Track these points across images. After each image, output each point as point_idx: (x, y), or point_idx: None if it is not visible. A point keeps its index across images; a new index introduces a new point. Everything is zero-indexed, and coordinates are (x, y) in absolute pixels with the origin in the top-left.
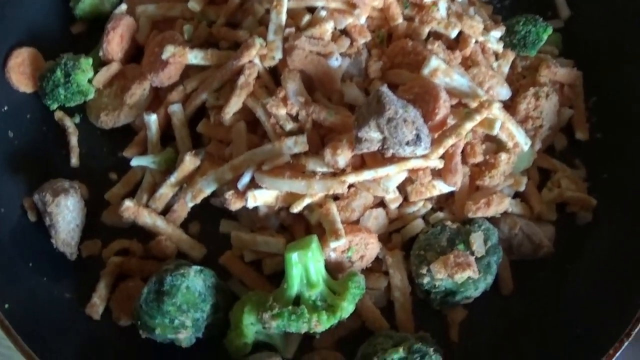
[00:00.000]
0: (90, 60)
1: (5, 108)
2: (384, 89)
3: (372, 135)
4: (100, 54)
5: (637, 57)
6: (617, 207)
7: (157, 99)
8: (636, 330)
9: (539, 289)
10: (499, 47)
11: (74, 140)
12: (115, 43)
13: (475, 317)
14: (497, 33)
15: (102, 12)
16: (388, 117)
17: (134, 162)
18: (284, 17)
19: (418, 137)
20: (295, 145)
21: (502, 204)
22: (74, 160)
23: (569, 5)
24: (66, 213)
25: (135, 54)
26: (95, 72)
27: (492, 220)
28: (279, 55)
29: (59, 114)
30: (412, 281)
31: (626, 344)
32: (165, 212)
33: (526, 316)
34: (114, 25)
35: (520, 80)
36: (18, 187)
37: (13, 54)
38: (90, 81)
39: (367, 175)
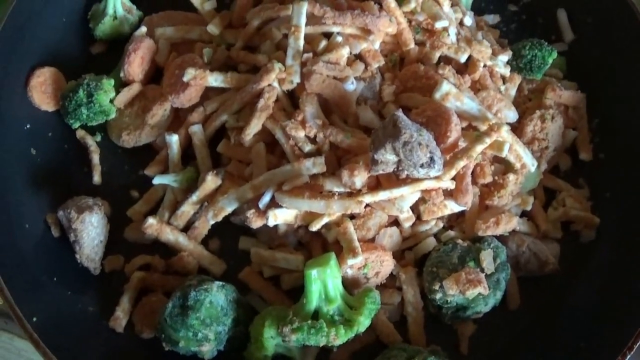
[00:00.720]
0: (112, 81)
1: (28, 126)
2: (400, 113)
3: (387, 158)
4: (122, 74)
5: (638, 79)
6: (619, 225)
7: (177, 119)
8: (638, 344)
9: (544, 304)
10: (506, 71)
11: (95, 158)
12: (136, 64)
13: (484, 331)
14: (504, 57)
15: (121, 34)
16: (404, 140)
17: (157, 180)
18: (301, 42)
19: (432, 159)
20: (314, 166)
21: (511, 223)
22: (96, 178)
23: (573, 29)
24: (90, 229)
25: (155, 75)
26: (117, 92)
27: (501, 238)
28: (297, 79)
29: (80, 133)
30: (424, 297)
31: (629, 356)
32: (186, 229)
33: (532, 330)
34: (135, 47)
35: (527, 103)
36: (40, 203)
37: (35, 74)
38: (112, 101)
39: (382, 195)
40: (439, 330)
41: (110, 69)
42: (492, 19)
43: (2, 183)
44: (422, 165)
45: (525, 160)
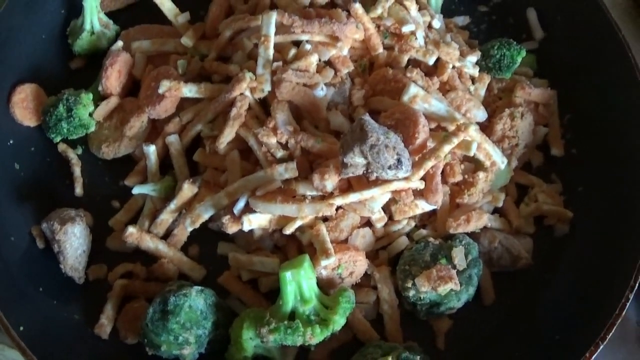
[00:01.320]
0: (91, 95)
1: (11, 141)
2: (366, 117)
3: (356, 161)
4: (100, 88)
5: (609, 74)
6: (592, 219)
7: (154, 130)
8: (610, 334)
9: (519, 298)
10: (475, 72)
11: (77, 170)
12: (113, 78)
13: (460, 327)
14: (473, 58)
15: (99, 48)
16: (371, 143)
17: (136, 190)
18: (271, 51)
19: (399, 161)
20: (286, 171)
21: (481, 220)
22: (78, 190)
23: (543, 27)
24: (73, 240)
25: (132, 88)
26: (96, 106)
27: (473, 235)
28: (268, 87)
29: (62, 147)
30: (399, 294)
31: (601, 347)
32: (166, 236)
33: (507, 324)
34: (112, 62)
35: (497, 102)
36: (25, 216)
37: (16, 90)
38: (91, 115)
39: (353, 197)
40: (415, 327)
41: (89, 83)
42: (462, 20)
43: None
44: (390, 167)
45: (495, 158)
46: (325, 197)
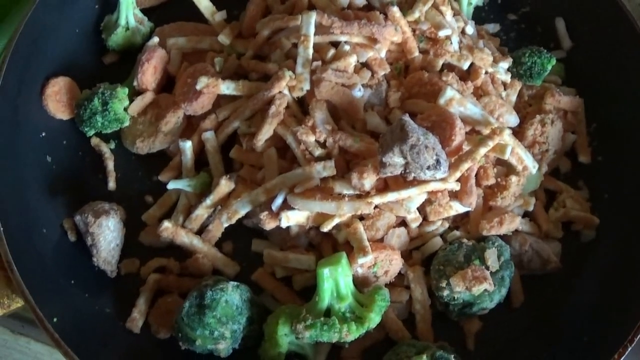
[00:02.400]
0: (127, 89)
1: (43, 134)
2: (407, 118)
3: (395, 160)
4: (135, 83)
5: (635, 84)
6: (618, 225)
7: (190, 126)
8: (638, 337)
9: (547, 301)
10: (507, 78)
11: (110, 165)
12: (149, 74)
13: (489, 328)
14: (505, 64)
15: (133, 44)
16: (411, 144)
17: (171, 185)
18: (311, 51)
19: (438, 162)
20: (324, 169)
21: (514, 223)
22: (111, 184)
23: (571, 37)
24: (107, 233)
25: (167, 84)
26: (130, 101)
27: (504, 237)
28: (307, 86)
29: (95, 140)
30: (432, 294)
31: (629, 349)
32: (200, 232)
33: (535, 326)
34: (148, 57)
35: (527, 108)
36: (57, 209)
37: (50, 83)
38: (125, 109)
39: (390, 197)
40: (445, 328)
41: (122, 79)
42: (492, 27)
43: (20, 190)
44: (428, 168)
45: (527, 163)
46: (362, 195)
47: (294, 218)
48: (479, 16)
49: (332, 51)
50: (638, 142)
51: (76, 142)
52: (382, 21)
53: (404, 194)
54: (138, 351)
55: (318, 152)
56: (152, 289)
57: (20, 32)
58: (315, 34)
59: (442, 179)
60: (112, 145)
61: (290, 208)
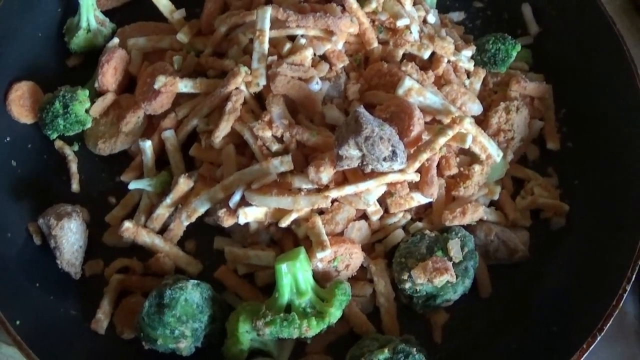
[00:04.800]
0: (87, 92)
1: (8, 139)
2: (361, 109)
3: (351, 153)
4: (96, 85)
5: (604, 69)
6: (588, 212)
7: (150, 126)
8: (607, 325)
9: (515, 291)
10: (470, 66)
11: (73, 167)
12: (109, 75)
13: (456, 319)
14: (468, 52)
15: (96, 46)
16: (365, 135)
17: (132, 186)
18: (266, 46)
19: (394, 152)
20: (281, 164)
21: (477, 212)
22: (75, 186)
23: (538, 22)
24: (70, 235)
25: (128, 84)
26: (92, 102)
27: (469, 228)
28: (263, 81)
29: (58, 143)
30: (396, 287)
31: (599, 338)
32: (162, 231)
33: (504, 316)
34: (108, 58)
35: (492, 96)
36: (22, 212)
37: (13, 88)
38: (87, 111)
39: (348, 190)
40: (412, 320)
41: (86, 80)
42: (457, 16)
43: None
44: (385, 159)
45: (491, 151)
46: (320, 189)
47: (252, 214)
48: (444, 4)
49: (288, 45)
50: (608, 127)
51: (40, 145)
52: (338, 13)
53: (361, 186)
54: (103, 352)
55: (275, 147)
56: (116, 290)
57: None
58: (271, 29)
59: (401, 170)
60: (76, 147)
61: (248, 204)
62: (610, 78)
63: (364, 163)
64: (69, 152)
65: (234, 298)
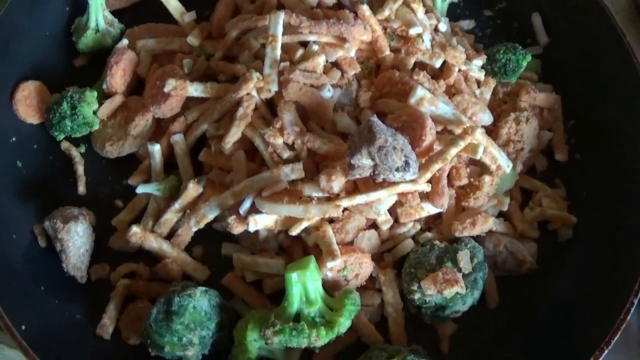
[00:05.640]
0: (95, 93)
1: (14, 139)
2: (375, 119)
3: (363, 162)
4: (104, 86)
5: (613, 80)
6: (596, 224)
7: (159, 129)
8: (615, 339)
9: (523, 302)
10: (480, 75)
11: (80, 169)
12: (118, 76)
13: (464, 330)
14: (478, 62)
15: (104, 46)
16: (379, 145)
17: (140, 190)
18: (279, 52)
19: (407, 163)
20: (292, 172)
21: (487, 224)
22: (81, 189)
23: (547, 33)
24: (76, 239)
25: (137, 86)
26: (100, 104)
27: (478, 238)
28: (275, 87)
29: (65, 144)
30: (404, 297)
31: (606, 352)
32: (170, 236)
33: (512, 328)
34: (117, 60)
35: (502, 106)
36: (27, 214)
37: (19, 87)
38: (95, 113)
39: (359, 199)
40: (420, 331)
41: (93, 81)
42: (467, 24)
43: None
44: (397, 169)
45: (501, 162)
46: (331, 198)
47: (262, 222)
48: (454, 13)
49: (300, 51)
50: (616, 138)
51: (47, 146)
52: (351, 20)
53: (373, 196)
54: (109, 358)
55: (286, 154)
56: (122, 295)
57: None
58: (283, 34)
59: (412, 181)
60: (83, 149)
61: (258, 212)
62: (619, 89)
63: (376, 172)
64: (76, 153)
65: (242, 305)
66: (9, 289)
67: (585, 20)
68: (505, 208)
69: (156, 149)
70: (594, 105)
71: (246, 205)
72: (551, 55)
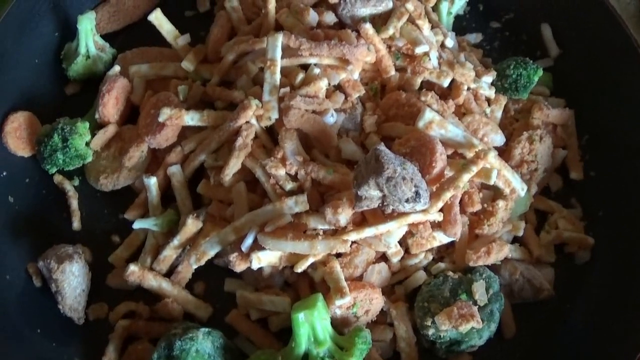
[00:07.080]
0: (87, 124)
1: (4, 173)
2: (382, 147)
3: (371, 194)
4: (96, 116)
5: (628, 91)
6: (614, 244)
7: (155, 159)
8: None
9: (540, 330)
10: (491, 93)
11: (74, 203)
12: (110, 105)
13: None
14: (488, 78)
15: (96, 73)
16: (387, 176)
17: (136, 225)
18: (278, 77)
19: (417, 193)
20: (296, 205)
21: (502, 252)
22: (76, 224)
23: (558, 44)
24: (72, 279)
25: (131, 115)
26: (92, 134)
27: (493, 267)
28: (275, 115)
29: (58, 178)
30: (417, 331)
31: None
32: (170, 273)
33: (529, 357)
34: (109, 88)
35: (514, 124)
36: (21, 252)
37: (9, 119)
38: (87, 144)
39: (368, 232)
40: None
41: (86, 109)
42: (474, 37)
43: None
44: (407, 200)
45: (515, 185)
46: (338, 231)
47: (266, 259)
48: (460, 26)
49: (301, 75)
50: (633, 153)
51: (39, 179)
52: (354, 40)
53: (382, 228)
54: None
55: (289, 185)
56: (122, 336)
57: None
58: (282, 57)
59: (423, 210)
60: (77, 182)
61: (261, 248)
62: (634, 101)
63: (385, 204)
64: (69, 187)
65: (247, 344)
66: (2, 331)
67: (597, 29)
68: (520, 233)
69: (152, 182)
70: (608, 119)
71: (248, 241)
72: (563, 67)
